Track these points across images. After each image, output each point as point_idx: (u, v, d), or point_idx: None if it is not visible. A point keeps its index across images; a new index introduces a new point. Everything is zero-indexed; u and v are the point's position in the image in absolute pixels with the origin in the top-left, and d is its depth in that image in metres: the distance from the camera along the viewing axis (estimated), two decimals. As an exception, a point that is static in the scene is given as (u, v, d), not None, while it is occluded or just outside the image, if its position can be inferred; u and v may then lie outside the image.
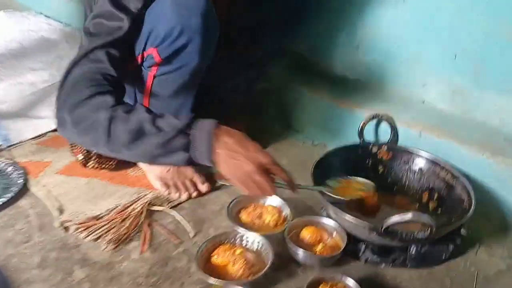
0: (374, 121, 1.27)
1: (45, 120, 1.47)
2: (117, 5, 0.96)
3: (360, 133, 1.25)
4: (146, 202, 1.15)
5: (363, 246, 1.01)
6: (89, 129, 0.87)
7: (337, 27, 1.43)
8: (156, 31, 0.97)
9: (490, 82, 1.17)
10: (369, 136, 1.28)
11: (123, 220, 1.10)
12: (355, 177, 1.11)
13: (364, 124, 1.25)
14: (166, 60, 1.00)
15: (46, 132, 1.45)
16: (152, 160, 0.88)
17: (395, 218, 0.89)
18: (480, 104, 1.20)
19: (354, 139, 1.26)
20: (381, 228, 0.92)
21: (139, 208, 1.13)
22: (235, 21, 1.24)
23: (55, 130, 1.42)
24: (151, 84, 1.06)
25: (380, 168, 1.23)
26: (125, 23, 0.96)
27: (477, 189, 1.08)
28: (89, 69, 0.92)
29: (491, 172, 1.10)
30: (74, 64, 0.93)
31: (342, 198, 1.03)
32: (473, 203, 1.01)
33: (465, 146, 1.14)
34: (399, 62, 1.32)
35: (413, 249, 0.99)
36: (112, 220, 1.09)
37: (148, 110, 0.89)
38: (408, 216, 0.88)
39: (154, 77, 1.04)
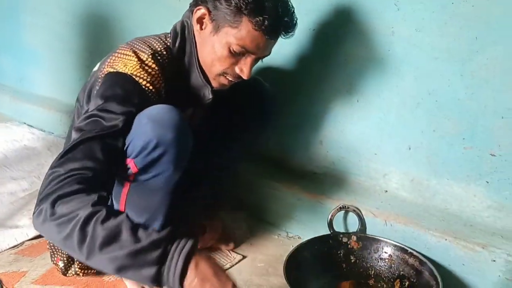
0: (342, 212, 1.33)
1: (23, 229, 1.48)
2: (112, 106, 0.99)
3: (330, 224, 1.30)
4: (122, 308, 1.15)
5: None
6: (66, 224, 0.83)
7: (302, 125, 1.54)
8: (133, 144, 1.04)
9: (444, 172, 1.27)
10: (339, 226, 1.33)
11: (99, 328, 1.08)
12: None
13: (333, 216, 1.31)
14: (143, 170, 1.06)
15: (23, 241, 1.46)
16: (119, 270, 0.82)
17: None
18: (439, 192, 1.28)
19: (326, 230, 1.31)
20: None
21: (115, 315, 1.12)
22: (208, 129, 1.34)
23: (32, 239, 1.44)
24: (127, 191, 1.11)
25: (352, 258, 1.27)
26: (120, 122, 0.99)
27: (444, 273, 1.12)
28: (81, 166, 0.91)
29: (455, 257, 1.15)
30: (66, 154, 0.92)
31: None
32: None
33: (429, 232, 1.20)
34: (360, 155, 1.42)
35: None
36: (87, 329, 1.08)
37: (130, 218, 0.88)
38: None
39: (130, 184, 1.10)
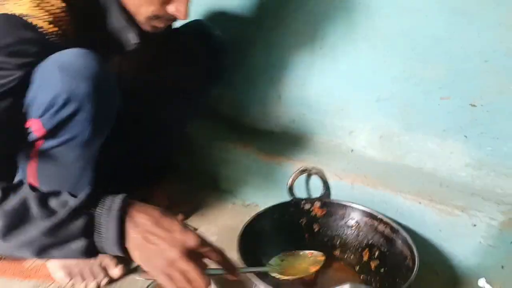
0: (304, 175, 1.17)
1: None
2: (8, 53, 0.79)
3: (290, 189, 1.15)
4: (42, 298, 0.96)
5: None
6: None
7: (258, 79, 1.36)
8: (38, 101, 0.83)
9: (418, 126, 1.13)
10: (301, 192, 1.18)
11: (11, 325, 0.89)
12: (298, 251, 1.00)
13: (293, 180, 1.15)
14: (52, 133, 0.85)
15: None
16: (40, 253, 0.68)
17: (331, 292, 0.77)
18: (412, 149, 1.14)
19: (286, 197, 1.15)
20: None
21: (33, 307, 0.93)
22: (145, 84, 1.13)
23: None
24: (37, 162, 0.90)
25: (315, 227, 1.12)
26: (12, 80, 0.79)
27: (419, 241, 0.98)
28: None
29: (431, 222, 1.02)
30: None
31: (292, 278, 0.91)
32: (416, 259, 0.91)
33: (401, 195, 1.06)
34: (324, 111, 1.26)
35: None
36: (-3, 327, 0.89)
37: (35, 188, 0.71)
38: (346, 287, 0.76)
39: (39, 153, 0.88)
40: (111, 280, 1.03)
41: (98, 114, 0.84)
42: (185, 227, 0.70)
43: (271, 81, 1.33)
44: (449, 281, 1.01)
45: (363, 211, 1.08)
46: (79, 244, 0.67)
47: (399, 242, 0.99)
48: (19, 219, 0.67)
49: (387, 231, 1.03)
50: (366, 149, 1.21)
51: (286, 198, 1.14)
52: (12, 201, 0.67)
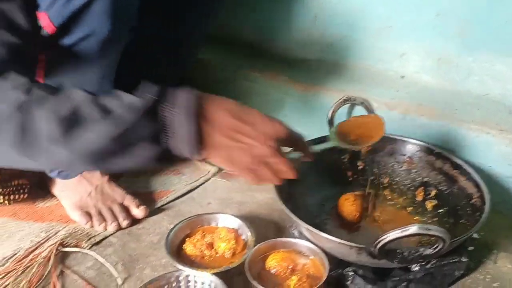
0: (346, 106, 1.02)
1: None
2: None
3: (330, 122, 1.00)
4: (57, 242, 0.85)
5: (352, 273, 0.75)
6: None
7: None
8: None
9: (483, 44, 0.96)
10: (341, 125, 1.03)
11: (24, 271, 0.80)
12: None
13: (334, 111, 1.00)
14: (62, 30, 0.71)
15: None
16: (100, 162, 0.58)
17: (395, 234, 0.63)
18: (474, 72, 0.98)
19: (325, 131, 1.01)
20: (376, 248, 0.66)
21: (46, 252, 0.83)
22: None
23: None
24: (46, 65, 0.75)
25: (359, 164, 0.98)
26: None
27: (485, 178, 0.84)
28: None
29: (500, 154, 0.87)
30: None
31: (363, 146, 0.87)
32: (486, 196, 0.78)
33: (463, 125, 0.91)
34: (368, 31, 1.09)
35: (417, 269, 0.74)
36: (9, 273, 0.79)
37: (84, 90, 0.59)
38: (413, 229, 0.62)
39: (51, 55, 0.74)
40: (132, 222, 0.92)
41: (116, 5, 0.70)
42: (267, 116, 0.63)
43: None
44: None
45: (417, 145, 0.94)
46: (148, 150, 0.57)
47: (461, 179, 0.86)
48: (72, 122, 0.56)
49: (447, 167, 0.89)
50: (420, 74, 1.05)
51: (325, 133, 1.00)
52: (62, 101, 0.56)
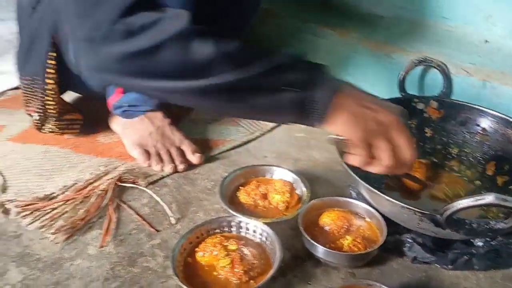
0: (420, 68, 0.96)
1: (6, 75, 1.20)
2: None
3: (401, 83, 0.95)
4: (115, 176, 0.87)
5: (410, 240, 0.71)
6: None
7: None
8: None
9: None
10: (412, 88, 0.97)
11: (82, 201, 0.82)
12: None
13: (406, 72, 0.95)
14: None
15: (6, 90, 1.18)
16: (247, 97, 0.64)
17: (468, 202, 0.59)
18: None
19: (395, 93, 0.96)
20: (443, 216, 0.62)
21: (105, 185, 0.85)
22: None
23: (16, 88, 1.15)
24: None
25: (428, 131, 0.92)
26: None
27: None
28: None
29: None
30: None
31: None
32: None
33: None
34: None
35: (481, 244, 0.70)
36: (68, 201, 0.82)
37: None
38: (489, 198, 0.57)
39: None
40: (188, 167, 0.93)
41: None
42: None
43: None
44: None
45: (495, 116, 0.87)
46: (290, 93, 0.63)
47: (542, 156, 0.78)
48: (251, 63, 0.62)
49: (526, 142, 0.82)
50: (506, 40, 0.95)
51: (394, 94, 0.94)
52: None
